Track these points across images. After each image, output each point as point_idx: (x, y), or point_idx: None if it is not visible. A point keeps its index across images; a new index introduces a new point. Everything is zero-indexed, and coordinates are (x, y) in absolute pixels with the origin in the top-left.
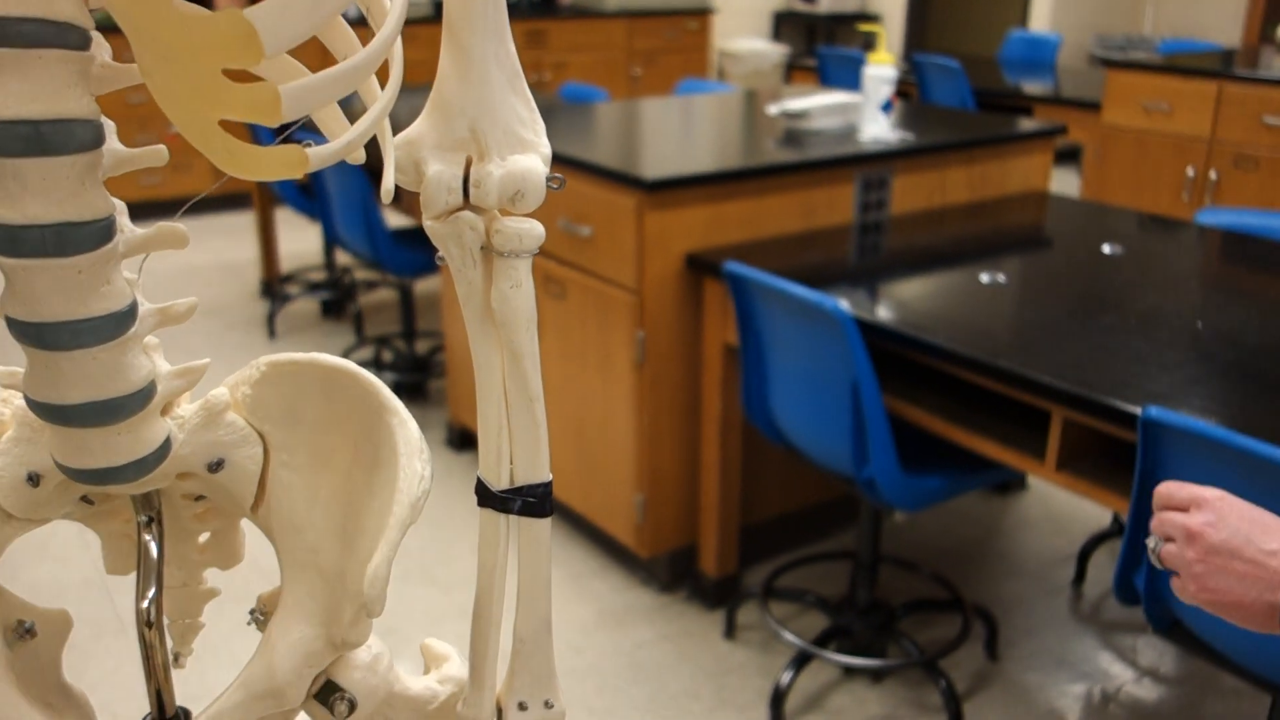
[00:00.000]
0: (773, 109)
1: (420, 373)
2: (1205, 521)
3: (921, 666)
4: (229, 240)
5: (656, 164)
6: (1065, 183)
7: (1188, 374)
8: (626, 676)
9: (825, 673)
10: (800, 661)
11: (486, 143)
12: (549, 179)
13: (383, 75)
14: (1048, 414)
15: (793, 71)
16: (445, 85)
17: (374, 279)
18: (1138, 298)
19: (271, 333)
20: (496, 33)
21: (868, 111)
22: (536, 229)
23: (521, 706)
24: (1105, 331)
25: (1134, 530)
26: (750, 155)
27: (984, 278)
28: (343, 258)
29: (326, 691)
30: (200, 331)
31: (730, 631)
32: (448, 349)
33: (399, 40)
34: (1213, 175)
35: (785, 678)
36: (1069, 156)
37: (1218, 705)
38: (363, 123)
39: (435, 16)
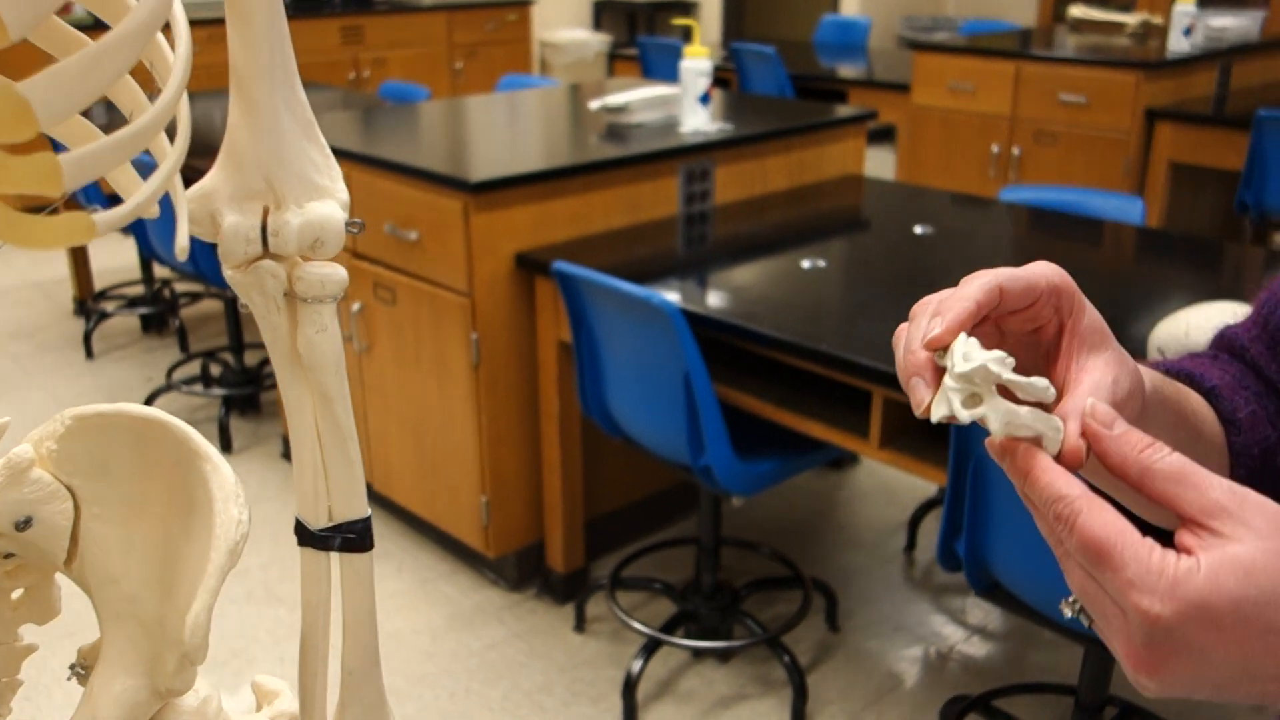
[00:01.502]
0: (594, 104)
1: (251, 385)
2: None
3: (766, 644)
4: (35, 258)
5: (481, 165)
6: (883, 163)
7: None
8: (479, 678)
9: (675, 657)
10: (650, 649)
11: (282, 191)
12: (348, 224)
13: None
14: (869, 394)
15: (615, 62)
16: (237, 137)
17: (196, 290)
18: (947, 277)
19: (89, 352)
20: (285, 81)
21: (687, 104)
22: (338, 274)
23: None
24: None
25: (953, 502)
26: (574, 152)
27: (805, 263)
28: (161, 270)
29: None
30: (11, 355)
31: (581, 625)
32: None
33: (184, 97)
34: (1015, 151)
35: (635, 666)
36: (885, 137)
37: (1041, 656)
38: (152, 183)
39: None
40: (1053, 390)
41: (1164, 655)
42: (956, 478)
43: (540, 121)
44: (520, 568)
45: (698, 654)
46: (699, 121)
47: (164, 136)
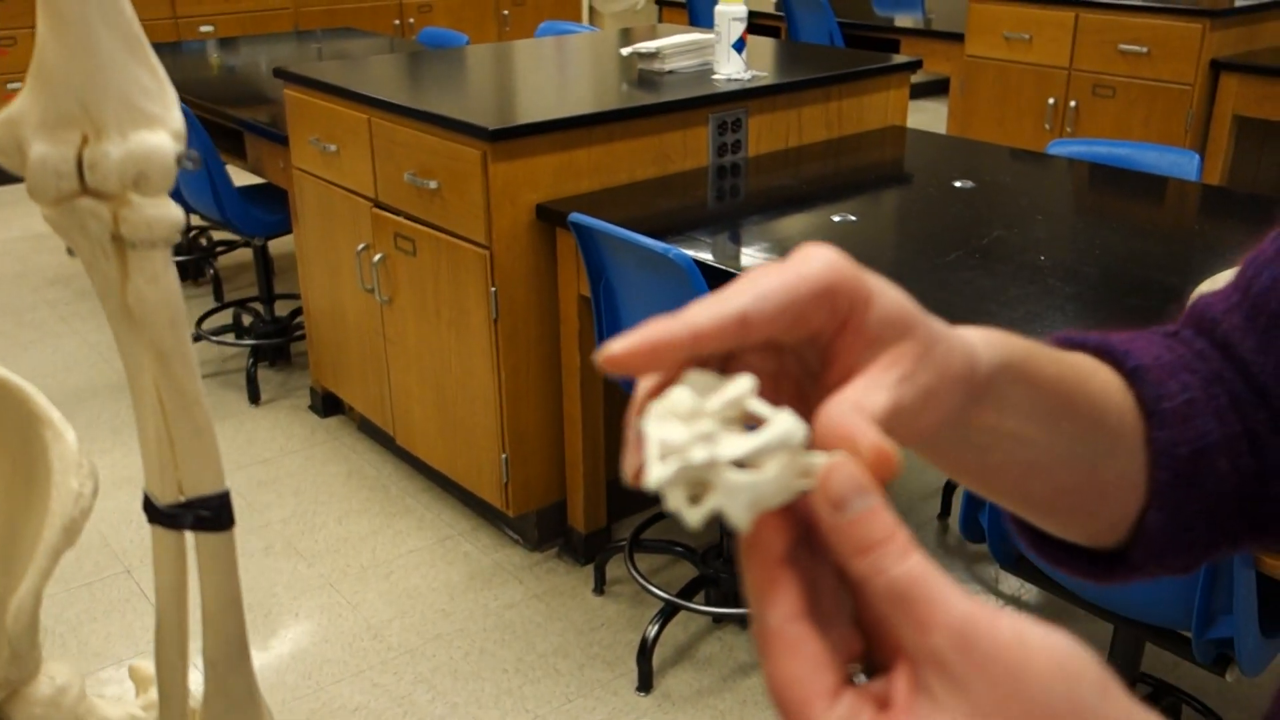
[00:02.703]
0: (626, 51)
1: (281, 336)
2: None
3: None
4: None
5: (502, 113)
6: (936, 117)
7: (1028, 309)
8: (494, 638)
9: (695, 623)
10: (668, 614)
11: (101, 118)
12: (182, 157)
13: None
14: None
15: (663, 10)
16: (45, 54)
17: (233, 239)
18: (983, 232)
19: None
20: None
21: (721, 50)
22: (171, 215)
23: None
24: (948, 268)
25: None
26: (601, 100)
27: (835, 218)
28: (197, 218)
29: None
30: (49, 301)
31: (600, 587)
32: (306, 311)
33: None
34: (1072, 104)
35: (652, 630)
36: (940, 90)
37: (1075, 629)
38: None
39: None
40: (801, 431)
41: None
42: None
43: (571, 68)
44: (541, 527)
45: (718, 619)
46: (733, 69)
47: None
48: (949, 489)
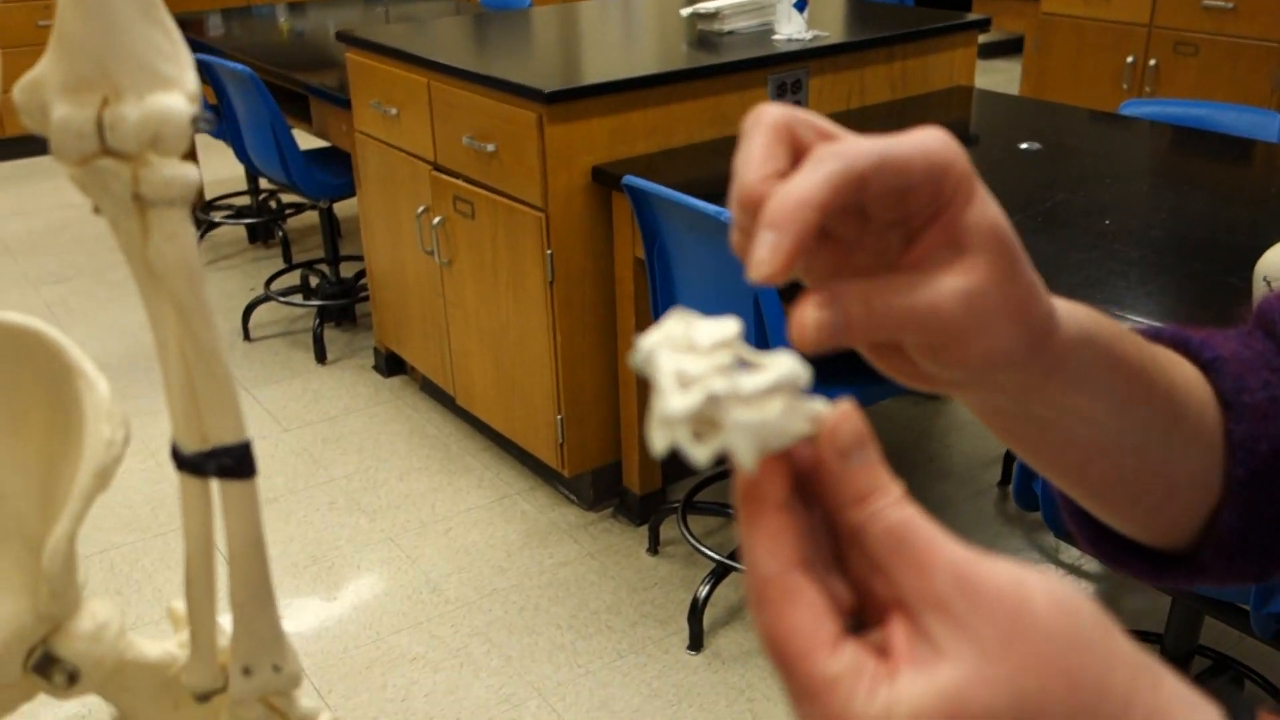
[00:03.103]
0: (685, 11)
1: (346, 297)
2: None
3: None
4: None
5: (558, 75)
6: (1009, 77)
7: (1088, 275)
8: (549, 595)
9: None
10: (719, 574)
11: (120, 81)
12: (198, 120)
13: None
14: None
15: None
16: (65, 19)
17: (301, 202)
18: (1047, 196)
19: None
20: None
21: (782, 10)
22: (187, 175)
23: (246, 672)
24: None
25: None
26: (658, 61)
27: None
28: (267, 181)
29: (46, 664)
30: (123, 264)
31: (655, 547)
32: (369, 273)
33: None
34: (1151, 63)
35: (703, 590)
36: (1015, 49)
37: (1135, 600)
38: None
39: None
40: (805, 373)
41: None
42: None
43: (631, 29)
44: (596, 487)
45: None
46: (793, 29)
47: None
48: (1009, 457)
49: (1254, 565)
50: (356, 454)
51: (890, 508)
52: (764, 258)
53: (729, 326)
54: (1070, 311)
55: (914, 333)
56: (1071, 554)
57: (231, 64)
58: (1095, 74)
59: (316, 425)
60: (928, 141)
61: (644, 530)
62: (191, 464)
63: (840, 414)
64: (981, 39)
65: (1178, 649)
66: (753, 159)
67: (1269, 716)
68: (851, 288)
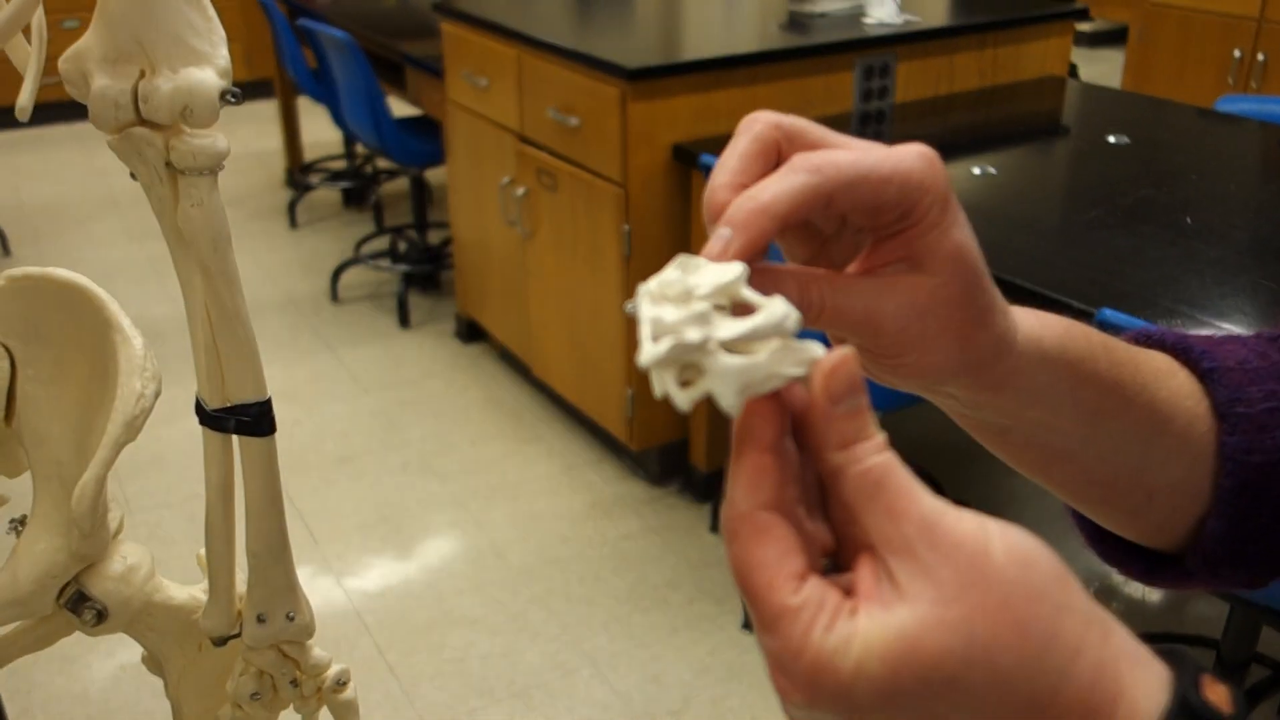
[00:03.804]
0: None
1: (432, 264)
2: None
3: None
4: (259, 128)
5: (643, 52)
6: (1112, 69)
7: (1163, 273)
8: (609, 566)
9: None
10: None
11: (155, 55)
12: (226, 94)
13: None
14: None
15: None
16: None
17: (395, 168)
18: (1130, 191)
19: (293, 222)
20: None
21: None
22: (215, 145)
23: (260, 619)
24: (1085, 226)
25: None
26: (744, 42)
27: (975, 170)
28: (362, 146)
29: (77, 601)
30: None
31: (716, 525)
32: (455, 240)
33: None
34: (1261, 58)
35: None
36: (1118, 39)
37: (1202, 606)
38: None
39: None
40: (794, 317)
41: (806, 715)
42: None
43: (722, 8)
44: (662, 463)
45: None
46: (885, 12)
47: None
48: None
49: (1243, 573)
50: (433, 418)
51: (870, 454)
52: (714, 252)
53: (731, 270)
54: (1037, 331)
55: (855, 336)
56: None
57: (331, 29)
58: (1200, 68)
59: (395, 388)
60: (907, 161)
61: (707, 508)
62: (213, 420)
63: (835, 359)
64: (1091, 28)
65: (1235, 657)
66: (726, 168)
67: (1213, 680)
68: (816, 279)
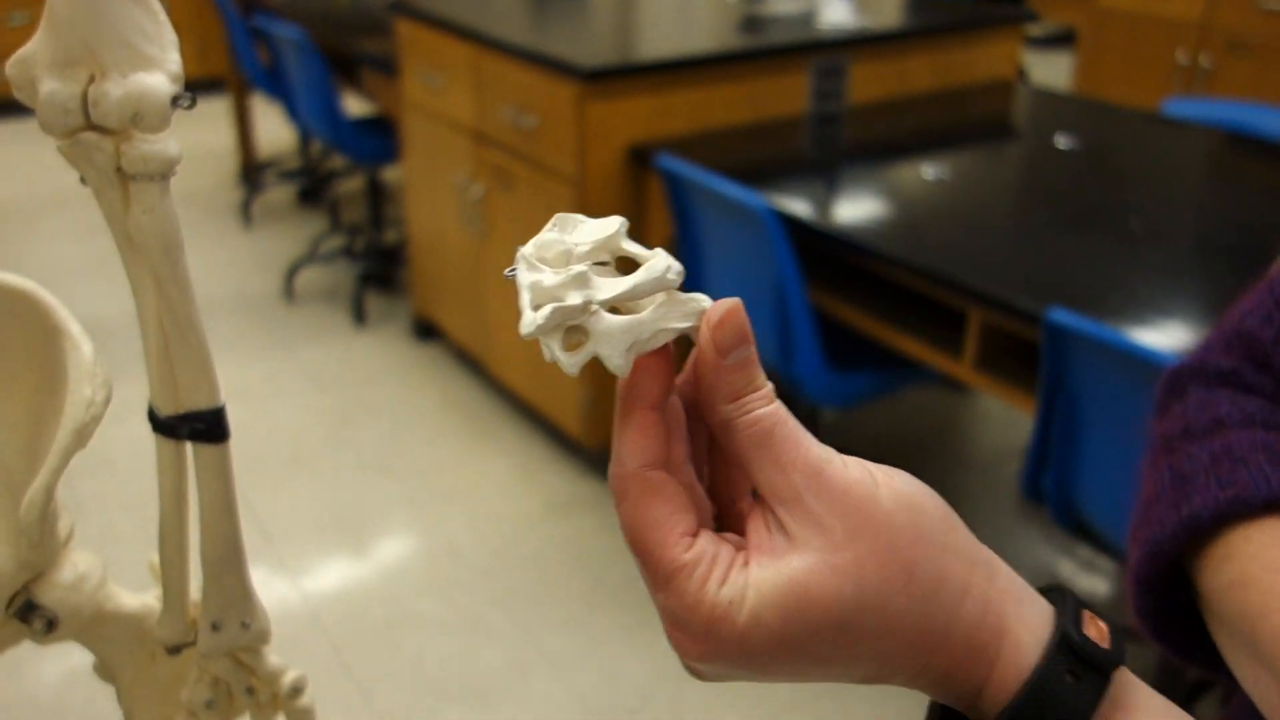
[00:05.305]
0: None
1: (388, 262)
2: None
3: None
4: (212, 125)
5: (598, 52)
6: (1060, 70)
7: (1110, 273)
8: (568, 565)
9: None
10: None
11: (104, 59)
12: (177, 99)
13: None
14: (965, 314)
15: None
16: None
17: (351, 167)
18: (1078, 195)
19: (247, 221)
20: None
21: None
22: (166, 151)
23: (215, 627)
24: (1033, 229)
25: (1041, 433)
26: (699, 43)
27: (928, 173)
28: (320, 144)
29: (26, 610)
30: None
31: None
32: (411, 239)
33: None
34: (1204, 63)
35: None
36: (1068, 41)
37: None
38: None
39: None
40: (676, 268)
41: (704, 671)
42: (1047, 409)
43: (672, 10)
44: None
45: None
46: (838, 15)
47: None
48: None
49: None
50: (388, 417)
51: (758, 405)
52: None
53: (609, 224)
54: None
55: None
56: (1088, 551)
57: (285, 27)
58: (1148, 71)
59: (350, 387)
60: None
61: None
62: (166, 426)
63: (722, 309)
64: (1041, 30)
65: None
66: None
67: (1094, 617)
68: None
